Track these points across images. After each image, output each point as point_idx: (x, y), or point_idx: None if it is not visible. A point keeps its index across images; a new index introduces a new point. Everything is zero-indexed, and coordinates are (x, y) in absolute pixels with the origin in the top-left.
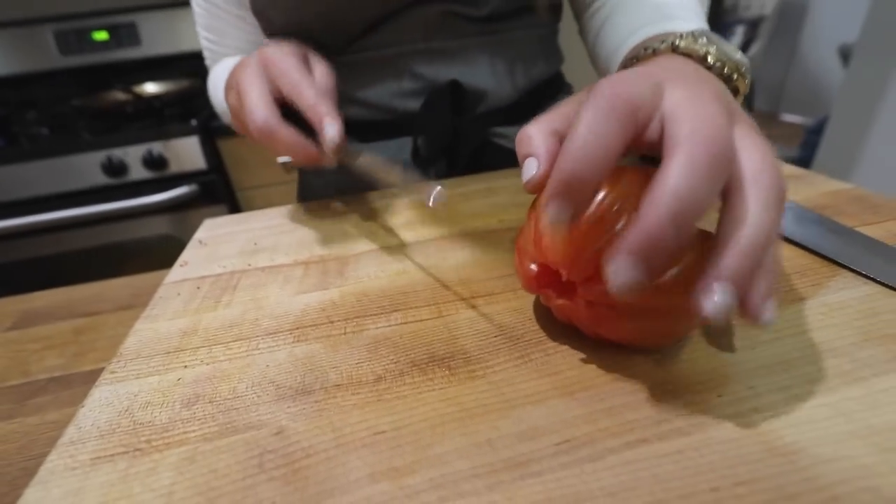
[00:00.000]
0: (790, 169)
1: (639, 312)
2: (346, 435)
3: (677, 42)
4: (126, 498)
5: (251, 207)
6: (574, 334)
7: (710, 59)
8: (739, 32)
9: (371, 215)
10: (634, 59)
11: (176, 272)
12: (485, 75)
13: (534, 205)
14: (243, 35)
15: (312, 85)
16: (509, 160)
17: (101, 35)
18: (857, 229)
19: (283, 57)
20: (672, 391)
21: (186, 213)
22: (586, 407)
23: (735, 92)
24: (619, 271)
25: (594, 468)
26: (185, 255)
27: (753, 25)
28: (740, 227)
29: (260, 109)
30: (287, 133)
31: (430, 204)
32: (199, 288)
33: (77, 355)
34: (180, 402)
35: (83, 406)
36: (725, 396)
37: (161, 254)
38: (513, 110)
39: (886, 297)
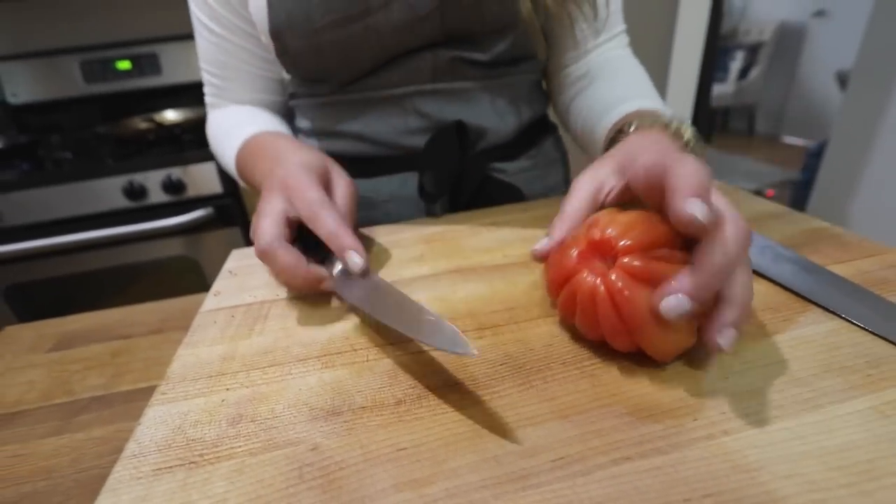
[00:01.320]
0: (773, 207)
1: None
2: (373, 451)
3: (670, 124)
4: (187, 501)
5: None
6: (571, 363)
7: (686, 137)
8: (739, 57)
9: (384, 249)
10: (621, 132)
11: (210, 301)
12: (486, 115)
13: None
14: (252, 70)
15: (332, 211)
16: (507, 193)
17: (124, 64)
18: (829, 267)
19: (303, 180)
20: (653, 415)
21: (202, 235)
22: (579, 428)
23: None
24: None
25: (585, 482)
26: (218, 286)
27: (753, 51)
28: (707, 260)
29: (266, 234)
30: (286, 258)
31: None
32: (233, 317)
33: (115, 376)
34: (226, 421)
35: (140, 423)
36: (700, 420)
37: (177, 274)
38: (510, 147)
39: (849, 331)
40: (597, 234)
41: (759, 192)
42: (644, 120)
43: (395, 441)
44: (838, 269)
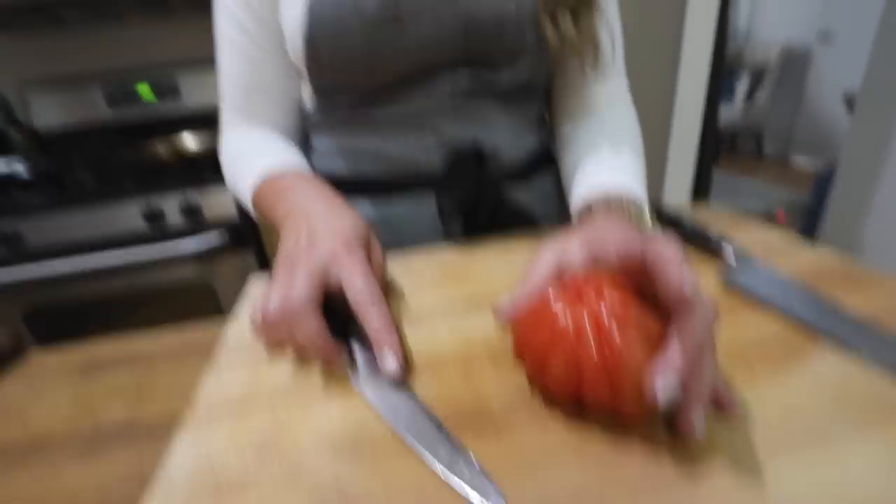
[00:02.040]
0: (783, 238)
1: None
2: (394, 483)
3: (631, 211)
4: None
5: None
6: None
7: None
8: (745, 80)
9: (400, 274)
10: (590, 209)
11: (233, 330)
12: (501, 138)
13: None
14: (281, 87)
15: (384, 306)
16: (519, 217)
17: (145, 90)
18: (841, 301)
19: (357, 259)
20: (664, 460)
21: (216, 258)
22: (594, 464)
23: None
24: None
25: None
26: (239, 314)
27: (758, 73)
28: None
29: (302, 292)
30: (312, 325)
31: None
32: (255, 346)
33: (139, 402)
34: (251, 453)
35: (168, 455)
36: (718, 457)
37: (191, 297)
38: (522, 172)
39: (859, 369)
40: (580, 278)
41: (768, 213)
42: (611, 202)
43: (417, 474)
44: (848, 302)
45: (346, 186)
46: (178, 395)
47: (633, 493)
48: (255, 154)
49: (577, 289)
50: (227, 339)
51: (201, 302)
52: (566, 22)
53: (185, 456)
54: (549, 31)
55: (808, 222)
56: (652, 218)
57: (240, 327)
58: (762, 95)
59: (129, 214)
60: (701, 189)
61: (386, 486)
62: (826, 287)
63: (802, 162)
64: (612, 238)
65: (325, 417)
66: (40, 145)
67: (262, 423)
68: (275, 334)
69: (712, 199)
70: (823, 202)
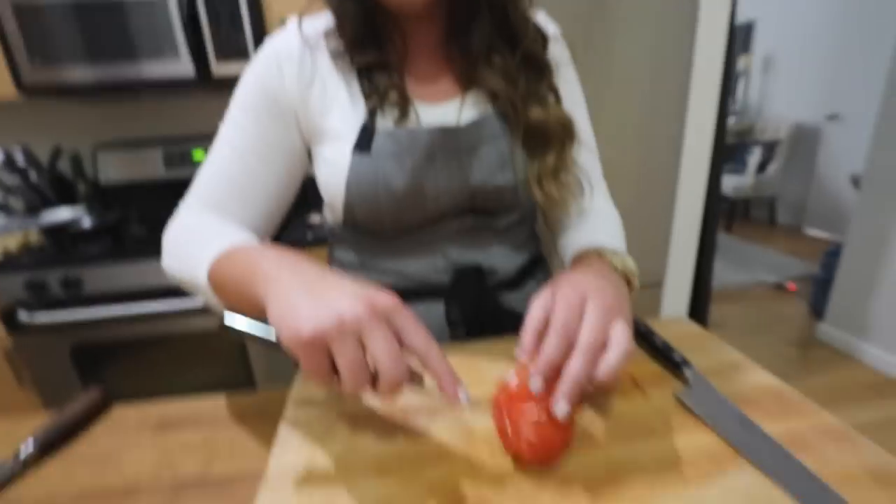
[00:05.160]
0: (736, 357)
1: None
2: None
3: (608, 258)
4: None
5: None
6: (552, 490)
7: (619, 267)
8: (757, 153)
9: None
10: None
11: (290, 411)
12: (497, 259)
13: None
14: (269, 193)
15: (440, 351)
16: (513, 319)
17: (199, 154)
18: (765, 424)
19: (403, 307)
20: None
21: None
22: None
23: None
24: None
25: None
26: (294, 393)
27: (770, 147)
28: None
29: (389, 298)
30: (389, 340)
31: (463, 402)
32: (310, 426)
33: (209, 461)
34: None
35: None
36: None
37: (218, 344)
38: (514, 282)
39: (765, 486)
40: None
41: (780, 286)
42: (590, 257)
43: None
44: (773, 427)
45: None
46: (240, 453)
47: None
48: (214, 233)
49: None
50: (285, 418)
51: (227, 349)
52: (549, 185)
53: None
54: (538, 196)
55: (817, 295)
56: (627, 259)
57: (294, 411)
58: (774, 167)
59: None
60: (706, 258)
61: None
62: (756, 410)
63: (816, 233)
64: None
65: (380, 487)
66: (102, 199)
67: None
68: (318, 355)
69: (724, 266)
70: (832, 276)
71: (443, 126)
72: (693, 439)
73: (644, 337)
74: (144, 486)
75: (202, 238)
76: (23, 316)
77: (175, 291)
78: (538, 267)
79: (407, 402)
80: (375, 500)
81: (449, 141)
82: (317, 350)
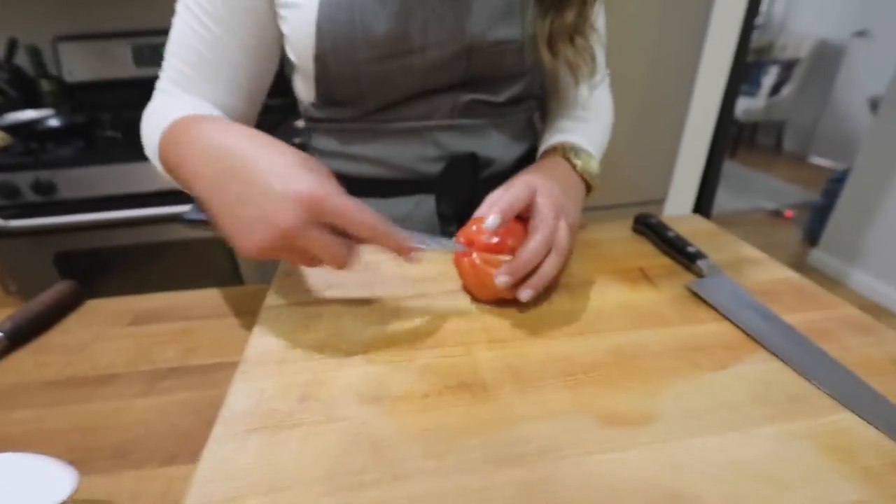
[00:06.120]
0: (754, 253)
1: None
2: (406, 429)
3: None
4: (272, 455)
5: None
6: (559, 377)
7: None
8: (773, 73)
9: (414, 266)
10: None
11: (272, 298)
12: (494, 147)
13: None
14: (232, 74)
15: (383, 225)
16: None
17: None
18: (785, 316)
19: (345, 203)
20: (615, 423)
21: None
22: (558, 427)
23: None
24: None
25: (561, 465)
26: (275, 285)
27: (787, 67)
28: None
29: (323, 190)
30: (325, 238)
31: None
32: (291, 314)
33: (187, 351)
34: (295, 398)
35: (229, 395)
36: (651, 428)
37: (208, 253)
38: (510, 174)
39: (781, 371)
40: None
41: (777, 213)
42: (556, 156)
43: (423, 424)
44: (792, 318)
45: (346, 183)
46: (217, 346)
47: (599, 428)
48: (172, 110)
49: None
50: (266, 305)
51: (218, 257)
52: (564, 48)
53: (241, 396)
54: (547, 57)
55: (814, 222)
56: (590, 159)
57: (275, 298)
58: (789, 89)
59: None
60: (709, 182)
61: (400, 429)
62: (775, 302)
63: (821, 161)
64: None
65: (353, 375)
66: (70, 98)
67: (303, 377)
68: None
69: (724, 192)
70: (832, 202)
71: None
72: (706, 328)
73: (654, 229)
74: (120, 375)
75: (157, 121)
76: None
77: (157, 196)
78: (533, 158)
79: (398, 289)
80: (365, 381)
81: None
82: (276, 254)
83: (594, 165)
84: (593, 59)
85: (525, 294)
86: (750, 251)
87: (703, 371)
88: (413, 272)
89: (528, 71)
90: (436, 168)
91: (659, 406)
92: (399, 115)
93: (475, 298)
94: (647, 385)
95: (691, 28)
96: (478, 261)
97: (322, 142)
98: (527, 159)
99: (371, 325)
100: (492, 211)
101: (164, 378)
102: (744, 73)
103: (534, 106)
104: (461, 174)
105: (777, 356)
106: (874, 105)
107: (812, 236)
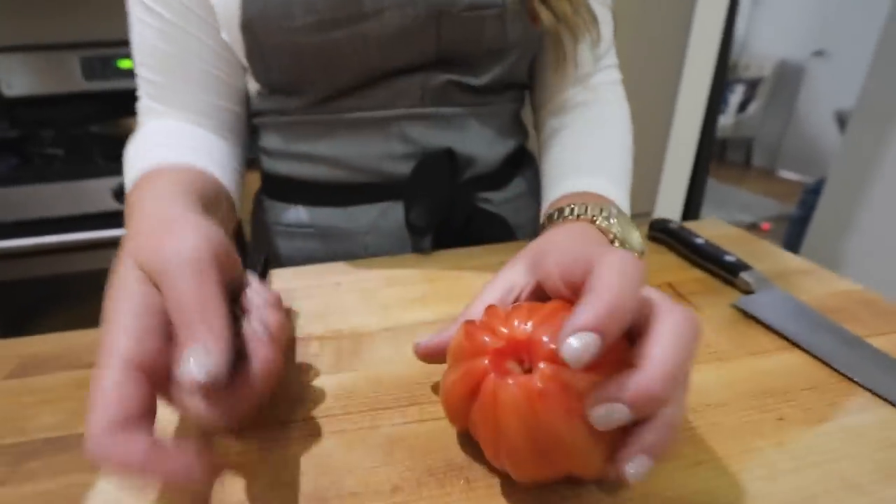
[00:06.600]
0: (801, 263)
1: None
2: None
3: (596, 219)
4: None
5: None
6: None
7: (614, 238)
8: (739, 91)
9: (382, 285)
10: (557, 213)
11: None
12: (475, 143)
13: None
14: (203, 65)
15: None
16: (494, 225)
17: (126, 63)
18: (869, 339)
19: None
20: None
21: None
22: None
23: None
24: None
25: None
26: None
27: (752, 85)
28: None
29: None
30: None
31: None
32: None
33: (75, 413)
34: None
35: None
36: None
37: None
38: (495, 176)
39: (889, 413)
40: (520, 330)
41: (754, 225)
42: (570, 211)
43: None
44: (878, 343)
45: (298, 189)
46: None
47: None
48: (148, 147)
49: (512, 343)
50: None
51: None
52: (562, 3)
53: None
54: (543, 13)
55: (792, 233)
56: (630, 227)
57: None
58: (755, 106)
59: (99, 192)
60: (693, 199)
61: None
62: (852, 322)
63: (789, 175)
64: (553, 250)
65: (285, 458)
66: (8, 113)
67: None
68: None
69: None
70: (810, 214)
71: None
72: (775, 361)
73: (677, 237)
74: None
75: (132, 163)
76: None
77: (103, 218)
78: (525, 162)
79: (358, 318)
80: (297, 466)
81: None
82: None
83: (636, 238)
84: (595, 19)
85: (639, 466)
86: (793, 260)
87: (793, 427)
88: (386, 293)
89: (514, 46)
90: (404, 168)
91: (750, 494)
92: (356, 102)
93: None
94: (722, 458)
95: (671, 48)
96: (539, 382)
97: (269, 139)
98: (514, 160)
99: (324, 373)
100: (574, 321)
101: (34, 456)
102: (722, 89)
103: (521, 97)
104: (435, 176)
105: (885, 399)
106: (841, 119)
107: (790, 247)
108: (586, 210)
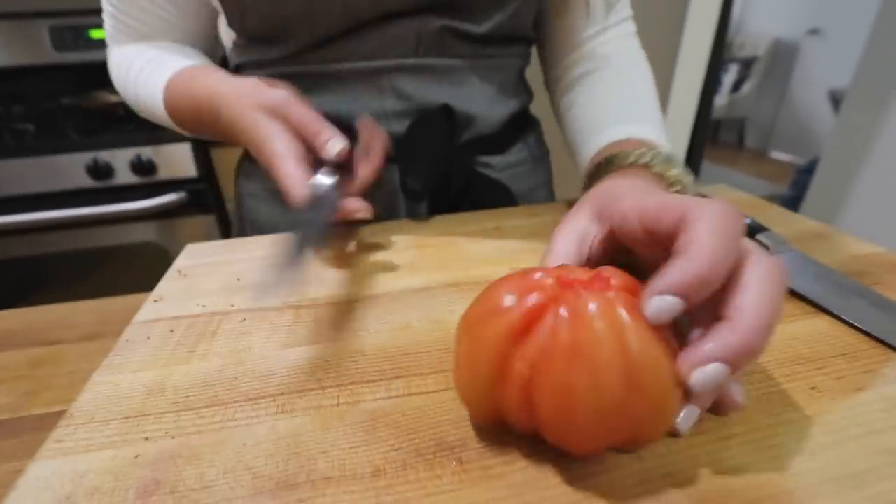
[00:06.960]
0: (816, 226)
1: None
2: None
3: (652, 164)
4: None
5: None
6: None
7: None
8: (733, 71)
9: (370, 252)
10: (600, 166)
11: (148, 309)
12: (475, 99)
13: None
14: (170, 20)
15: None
16: (494, 191)
17: (99, 34)
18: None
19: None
20: None
21: (173, 221)
22: None
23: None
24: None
25: None
26: (161, 288)
27: (746, 65)
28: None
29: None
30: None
31: None
32: (172, 331)
33: (29, 394)
34: (135, 490)
35: (16, 488)
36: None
37: (143, 261)
38: (497, 139)
39: None
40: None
41: None
42: (625, 157)
43: None
44: None
45: None
46: (79, 385)
47: None
48: (155, 59)
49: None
50: (137, 320)
51: (156, 268)
52: None
53: (38, 486)
54: None
55: None
56: (686, 172)
57: (157, 307)
58: (749, 86)
59: (72, 168)
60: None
61: None
62: (879, 285)
63: (781, 156)
64: (622, 198)
65: (250, 438)
66: None
67: (160, 444)
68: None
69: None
70: (803, 194)
71: None
72: (803, 327)
73: None
74: None
75: (142, 72)
76: None
77: (80, 194)
78: (529, 126)
79: (341, 288)
80: (270, 448)
81: None
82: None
83: (692, 184)
84: None
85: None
86: (808, 223)
87: (827, 397)
88: (370, 260)
89: None
90: (398, 127)
91: (789, 471)
92: (344, 53)
93: (520, 432)
94: (753, 431)
95: (668, 28)
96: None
97: None
98: (517, 122)
99: (292, 346)
100: (662, 282)
101: None
102: (718, 70)
103: (526, 54)
104: (432, 134)
105: None
106: (835, 98)
107: None
108: (646, 156)
